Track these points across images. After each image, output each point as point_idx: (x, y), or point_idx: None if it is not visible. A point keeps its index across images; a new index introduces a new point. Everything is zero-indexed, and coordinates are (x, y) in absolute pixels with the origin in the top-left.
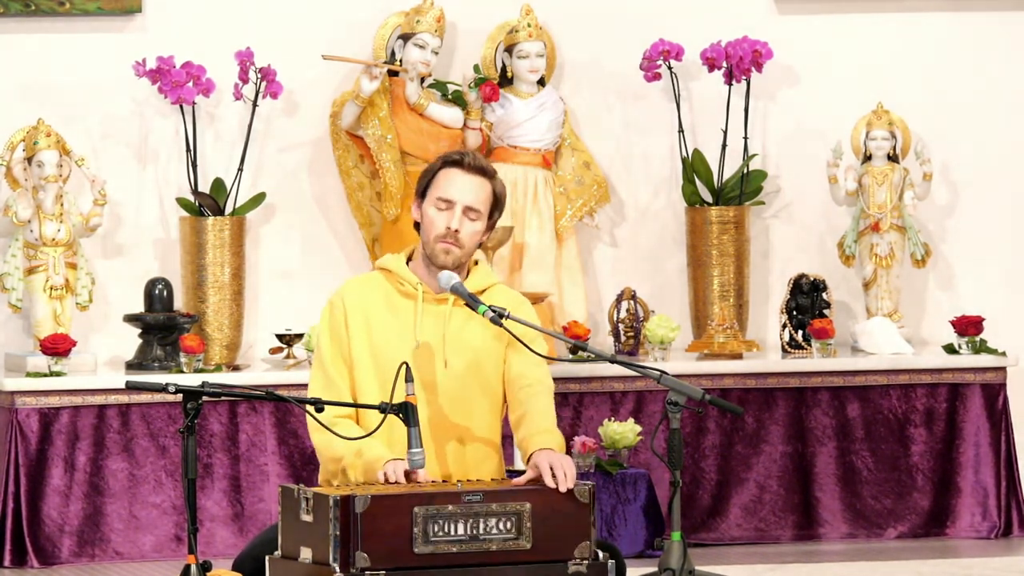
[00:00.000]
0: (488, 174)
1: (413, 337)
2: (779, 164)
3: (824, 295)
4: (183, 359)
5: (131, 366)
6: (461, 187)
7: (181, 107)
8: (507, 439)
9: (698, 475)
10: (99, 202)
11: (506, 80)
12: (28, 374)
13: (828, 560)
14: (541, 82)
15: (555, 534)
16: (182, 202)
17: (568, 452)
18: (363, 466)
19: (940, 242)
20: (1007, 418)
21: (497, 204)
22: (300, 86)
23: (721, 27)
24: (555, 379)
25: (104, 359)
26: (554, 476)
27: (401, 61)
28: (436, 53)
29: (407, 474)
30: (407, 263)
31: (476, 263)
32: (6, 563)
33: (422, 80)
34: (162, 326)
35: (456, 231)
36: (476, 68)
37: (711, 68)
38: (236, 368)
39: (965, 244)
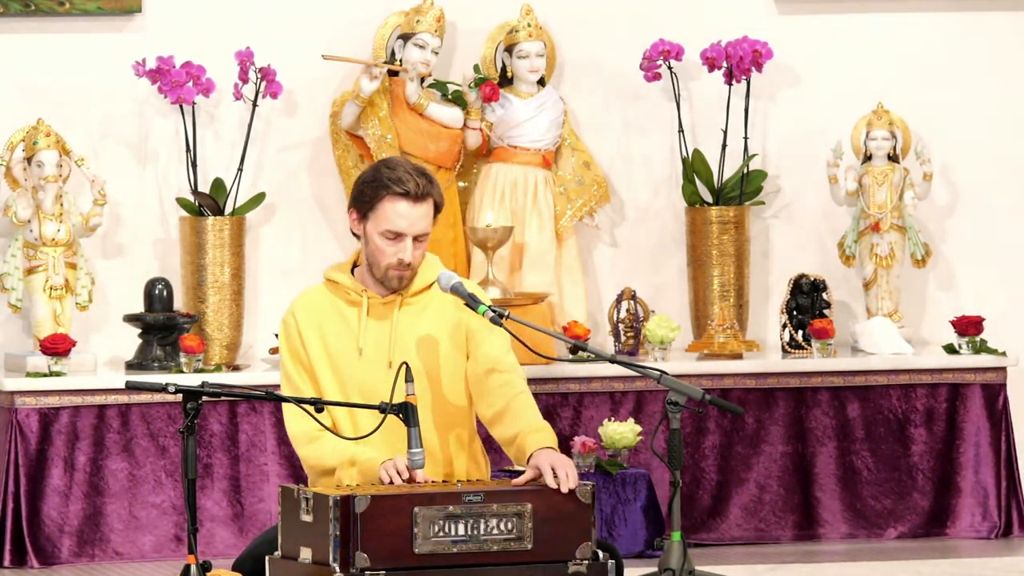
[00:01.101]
0: (431, 192)
1: (357, 344)
2: (779, 164)
3: (824, 295)
4: (183, 359)
5: (131, 366)
6: (410, 219)
7: (181, 107)
8: (483, 428)
9: (698, 475)
10: (99, 202)
11: (506, 80)
12: (28, 374)
13: (828, 560)
14: (541, 82)
15: (556, 535)
16: (182, 202)
17: (568, 452)
18: (359, 473)
19: (940, 242)
20: (1007, 418)
21: (438, 209)
22: (300, 86)
23: (721, 27)
24: (555, 379)
25: (104, 359)
26: (555, 476)
27: (401, 61)
28: (436, 53)
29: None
30: (354, 269)
31: (423, 256)
32: (6, 563)
33: (422, 80)
34: (162, 326)
35: (409, 263)
36: (476, 68)
37: (711, 68)
38: (236, 368)
39: (965, 244)
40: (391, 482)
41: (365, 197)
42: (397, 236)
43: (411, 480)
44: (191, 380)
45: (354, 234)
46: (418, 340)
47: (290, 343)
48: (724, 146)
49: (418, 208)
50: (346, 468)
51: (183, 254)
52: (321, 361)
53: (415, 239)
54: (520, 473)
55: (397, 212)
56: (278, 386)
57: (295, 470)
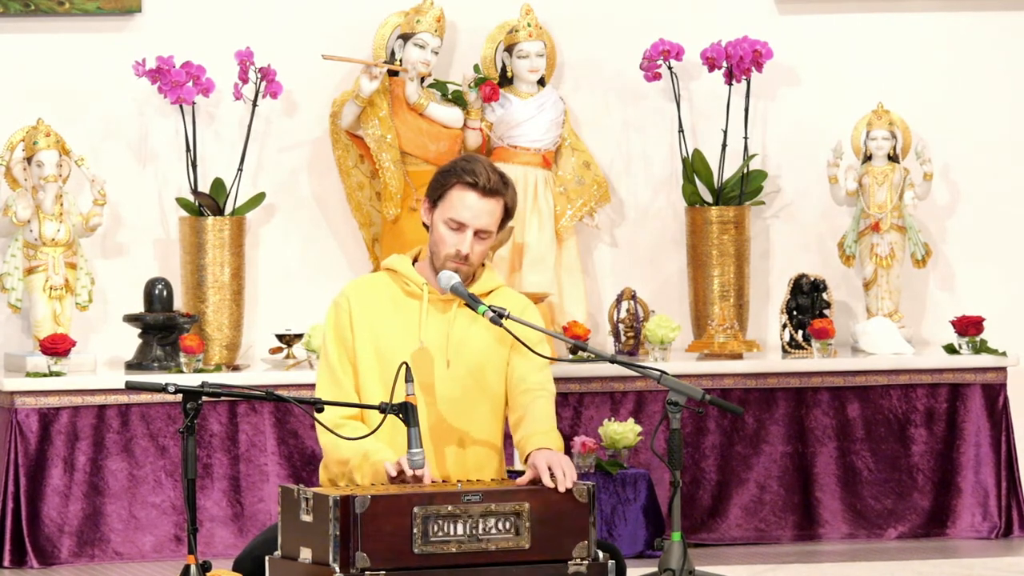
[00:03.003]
0: (503, 192)
1: (417, 337)
2: (779, 164)
3: (824, 295)
4: (183, 359)
5: (131, 366)
6: (475, 211)
7: (181, 107)
8: (508, 440)
9: (698, 475)
10: (99, 202)
11: (506, 80)
12: (28, 374)
13: (828, 560)
14: (541, 82)
15: (554, 534)
16: (182, 202)
17: (568, 452)
18: (371, 469)
19: (940, 242)
20: (1007, 418)
21: (508, 215)
22: (300, 86)
23: (721, 27)
24: (555, 379)
25: (104, 359)
26: (552, 476)
27: (401, 61)
28: (436, 53)
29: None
30: (413, 263)
31: (483, 265)
32: (6, 563)
33: (422, 80)
34: (162, 326)
35: (466, 255)
36: (476, 68)
37: (711, 68)
38: (236, 368)
39: (965, 244)
40: (399, 473)
41: (437, 185)
42: (460, 227)
43: (414, 479)
44: (191, 380)
45: (424, 225)
46: (471, 343)
47: (338, 324)
48: (724, 146)
49: (485, 202)
50: (359, 462)
51: (183, 254)
52: (366, 349)
53: (476, 233)
54: (522, 473)
55: (463, 202)
56: (277, 386)
57: (295, 470)
